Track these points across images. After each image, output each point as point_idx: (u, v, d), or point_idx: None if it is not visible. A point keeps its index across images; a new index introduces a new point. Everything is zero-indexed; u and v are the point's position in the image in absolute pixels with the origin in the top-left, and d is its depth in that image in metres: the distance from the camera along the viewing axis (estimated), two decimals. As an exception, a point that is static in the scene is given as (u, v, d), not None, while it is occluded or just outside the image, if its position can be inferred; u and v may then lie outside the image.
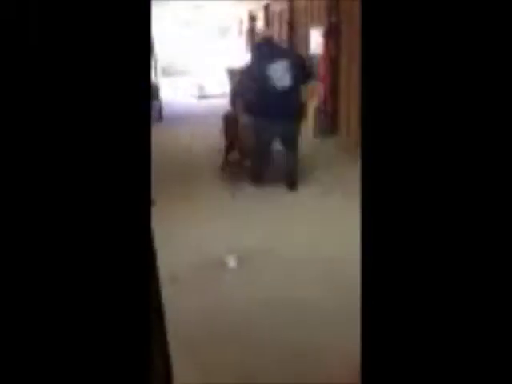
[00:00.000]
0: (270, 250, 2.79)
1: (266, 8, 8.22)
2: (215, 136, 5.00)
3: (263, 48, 3.71)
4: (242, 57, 9.74)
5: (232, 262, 2.67)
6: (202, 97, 10.10)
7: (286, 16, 7.00)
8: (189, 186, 4.14)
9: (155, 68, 7.89)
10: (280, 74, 3.54)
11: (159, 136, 6.09)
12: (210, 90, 10.13)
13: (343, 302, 2.06)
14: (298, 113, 3.84)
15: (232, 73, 5.89)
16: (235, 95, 5.44)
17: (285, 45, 3.76)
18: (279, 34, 7.51)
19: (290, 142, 3.90)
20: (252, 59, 3.83)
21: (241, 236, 3.03)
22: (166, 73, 13.72)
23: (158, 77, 7.94)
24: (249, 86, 3.68)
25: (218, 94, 9.48)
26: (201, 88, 10.30)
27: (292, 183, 3.99)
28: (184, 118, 7.82)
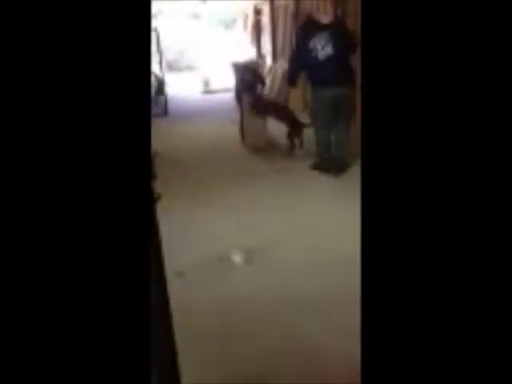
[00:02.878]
0: (274, 248, 2.78)
1: (272, 1, 8.16)
2: (219, 130, 5.01)
3: (305, 26, 4.04)
4: (248, 51, 9.72)
5: (238, 258, 2.67)
6: (207, 91, 10.09)
7: (291, 9, 6.96)
8: (194, 181, 4.15)
9: (161, 63, 7.89)
10: (321, 44, 3.75)
11: (165, 130, 6.11)
12: (215, 84, 10.11)
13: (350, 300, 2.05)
14: (348, 79, 3.88)
15: (237, 67, 5.88)
16: (239, 91, 5.44)
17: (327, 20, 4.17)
18: (284, 27, 7.47)
19: (341, 113, 3.89)
20: (297, 37, 4.12)
21: (245, 233, 3.03)
22: (172, 68, 13.74)
23: (163, 72, 7.95)
24: (299, 62, 4.00)
25: (223, 88, 9.47)
26: (206, 83, 10.28)
27: (339, 167, 3.95)
28: (189, 113, 7.83)
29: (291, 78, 4.26)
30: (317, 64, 3.80)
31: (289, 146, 4.75)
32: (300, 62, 3.97)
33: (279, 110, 5.01)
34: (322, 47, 3.76)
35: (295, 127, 4.70)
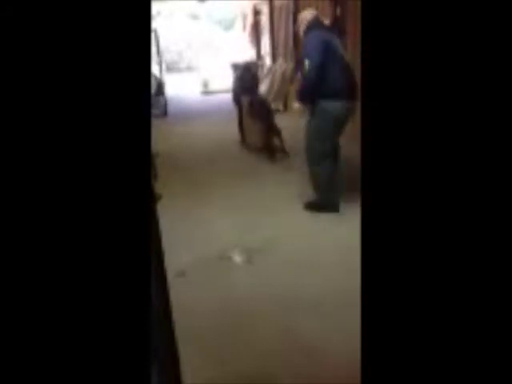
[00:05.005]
0: (274, 247, 2.78)
1: (271, 1, 8.17)
2: (219, 130, 4.98)
3: (317, 26, 3.17)
4: (247, 51, 9.73)
5: (238, 258, 2.67)
6: (207, 92, 10.10)
7: (290, 9, 6.96)
8: (194, 181, 4.15)
9: (160, 64, 7.91)
10: (339, 49, 3.09)
11: (164, 131, 6.11)
12: (215, 85, 10.12)
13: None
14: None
15: (236, 67, 5.88)
16: (237, 91, 5.43)
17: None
18: (283, 27, 7.48)
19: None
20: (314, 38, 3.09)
21: (245, 232, 3.03)
22: (171, 69, 13.75)
23: (163, 73, 7.96)
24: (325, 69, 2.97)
25: (222, 89, 9.48)
26: (205, 84, 10.29)
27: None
28: (188, 114, 7.83)
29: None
30: (338, 71, 3.02)
31: (269, 154, 4.61)
32: (326, 70, 2.96)
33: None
34: (341, 53, 3.09)
35: (271, 132, 4.61)
